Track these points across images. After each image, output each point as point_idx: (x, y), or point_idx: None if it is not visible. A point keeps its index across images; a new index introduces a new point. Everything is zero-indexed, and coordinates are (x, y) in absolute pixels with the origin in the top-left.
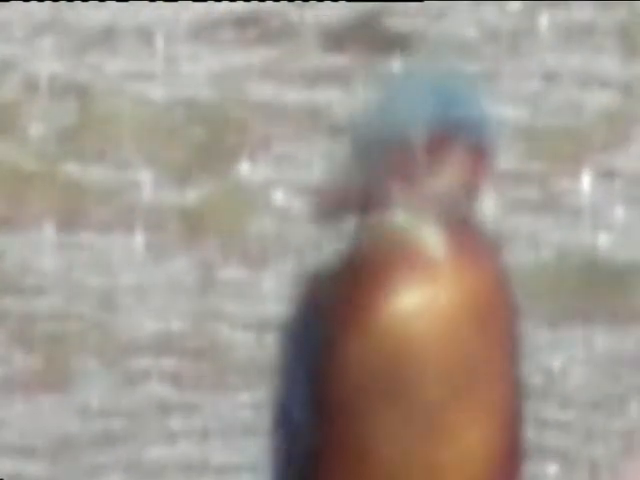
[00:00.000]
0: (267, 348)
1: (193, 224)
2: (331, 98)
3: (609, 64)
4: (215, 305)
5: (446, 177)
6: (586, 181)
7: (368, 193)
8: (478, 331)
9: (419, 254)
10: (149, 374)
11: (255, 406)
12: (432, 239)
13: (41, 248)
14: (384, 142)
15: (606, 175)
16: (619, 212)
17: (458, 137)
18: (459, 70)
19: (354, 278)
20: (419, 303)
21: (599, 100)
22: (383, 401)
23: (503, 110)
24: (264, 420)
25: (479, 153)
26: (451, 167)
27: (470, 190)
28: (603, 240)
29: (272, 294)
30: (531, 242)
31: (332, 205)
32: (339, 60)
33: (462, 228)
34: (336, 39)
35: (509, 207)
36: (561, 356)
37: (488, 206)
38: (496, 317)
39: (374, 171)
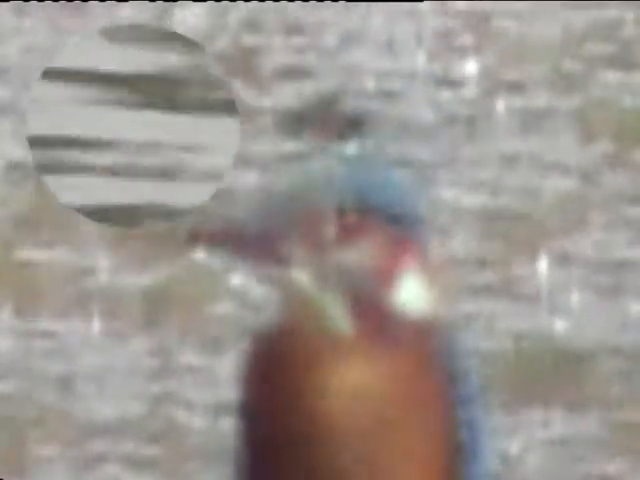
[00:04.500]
0: (224, 433)
1: (151, 309)
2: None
3: (566, 149)
4: (173, 389)
5: (357, 255)
6: (543, 266)
7: (269, 241)
8: (403, 407)
9: (325, 329)
10: (107, 458)
11: None
12: (335, 311)
13: None
14: (296, 204)
15: (563, 260)
16: (575, 298)
17: (375, 220)
18: (391, 159)
19: (268, 356)
20: (324, 381)
21: (556, 185)
22: (306, 471)
23: (460, 195)
24: None
25: (401, 241)
26: (365, 247)
27: (387, 275)
28: (560, 326)
29: (230, 379)
30: (488, 327)
31: (218, 236)
32: (295, 143)
33: (379, 313)
34: (292, 122)
35: (466, 292)
36: (518, 441)
37: (413, 292)
38: (422, 394)
39: (279, 226)
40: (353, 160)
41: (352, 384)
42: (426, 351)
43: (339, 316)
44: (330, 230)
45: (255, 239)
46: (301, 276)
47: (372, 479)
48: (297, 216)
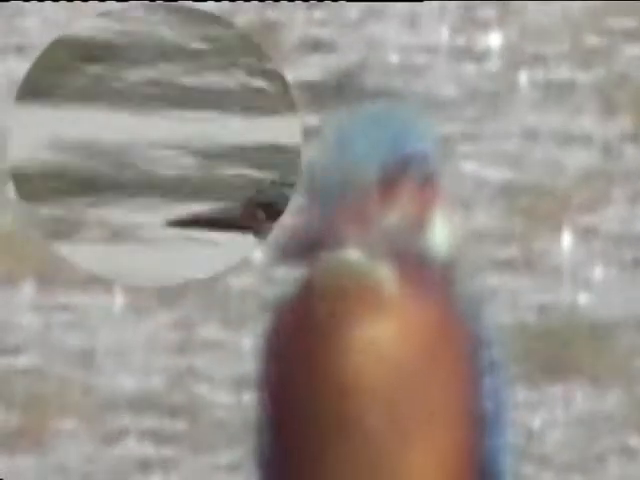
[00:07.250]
0: (247, 407)
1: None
2: (311, 157)
3: (589, 123)
4: (194, 363)
5: (397, 213)
6: (566, 240)
7: (323, 234)
8: (429, 364)
9: (371, 290)
10: (128, 432)
11: (234, 466)
12: (384, 275)
13: (19, 306)
14: (338, 184)
15: (586, 234)
16: (599, 271)
17: (408, 171)
18: (399, 104)
19: (307, 313)
20: (369, 337)
21: (579, 159)
22: (330, 437)
23: (483, 169)
24: (243, 479)
25: (427, 183)
26: (402, 202)
27: (420, 222)
28: (583, 299)
29: (251, 353)
30: (511, 301)
31: (294, 247)
32: (318, 118)
33: (412, 261)
34: (314, 97)
35: (489, 266)
36: (540, 415)
37: (441, 235)
38: (449, 350)
39: (329, 213)
40: (377, 116)
41: (379, 339)
42: (453, 301)
43: (389, 281)
44: (375, 197)
45: (317, 235)
46: (354, 254)
47: (397, 441)
48: (344, 194)
